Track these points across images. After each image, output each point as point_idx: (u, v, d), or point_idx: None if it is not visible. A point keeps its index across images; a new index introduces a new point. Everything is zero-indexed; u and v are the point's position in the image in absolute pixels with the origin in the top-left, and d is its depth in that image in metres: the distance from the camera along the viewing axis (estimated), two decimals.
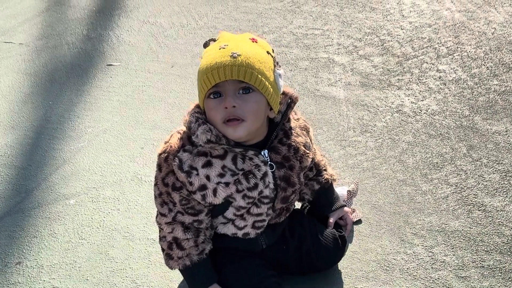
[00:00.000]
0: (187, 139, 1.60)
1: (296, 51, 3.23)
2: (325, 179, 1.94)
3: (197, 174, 1.57)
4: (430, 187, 2.34)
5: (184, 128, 1.62)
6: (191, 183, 1.58)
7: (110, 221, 2.34)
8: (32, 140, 2.83)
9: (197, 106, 1.62)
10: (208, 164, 1.58)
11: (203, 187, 1.59)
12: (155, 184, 1.68)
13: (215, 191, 1.60)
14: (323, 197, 1.99)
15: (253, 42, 1.58)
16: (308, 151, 1.73)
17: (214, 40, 1.62)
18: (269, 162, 1.64)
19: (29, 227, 2.33)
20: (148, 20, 3.74)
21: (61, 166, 2.65)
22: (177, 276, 2.05)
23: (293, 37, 3.34)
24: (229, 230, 1.74)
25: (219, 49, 1.54)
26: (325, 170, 1.96)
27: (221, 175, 1.59)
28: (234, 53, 1.50)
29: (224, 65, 1.48)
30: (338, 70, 3.04)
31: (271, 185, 1.65)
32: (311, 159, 1.78)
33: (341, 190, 2.21)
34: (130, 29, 3.67)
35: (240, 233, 1.74)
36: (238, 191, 1.61)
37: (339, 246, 1.94)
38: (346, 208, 2.05)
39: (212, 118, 1.54)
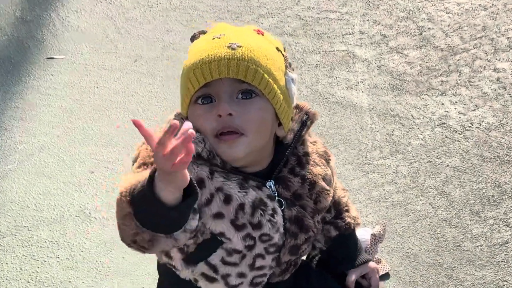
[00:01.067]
0: None
1: (304, 41, 3.23)
2: (346, 224, 1.90)
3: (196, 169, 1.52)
4: (483, 230, 2.33)
5: None
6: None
7: (46, 273, 2.32)
8: None
9: (179, 115, 1.61)
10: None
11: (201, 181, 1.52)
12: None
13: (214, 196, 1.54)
14: (342, 248, 1.95)
15: (258, 34, 1.58)
16: (328, 188, 1.70)
17: (205, 33, 1.62)
18: (277, 198, 1.60)
19: None
20: None
21: None
22: None
23: (300, 22, 3.35)
24: None
25: (212, 39, 1.54)
26: (347, 211, 1.92)
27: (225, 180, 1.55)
28: (232, 44, 1.49)
29: (218, 58, 1.47)
30: (361, 68, 3.04)
31: (281, 229, 1.63)
32: (331, 198, 1.76)
33: (362, 233, 2.20)
34: (80, 9, 3.67)
35: None
36: (236, 224, 1.57)
37: None
38: (371, 264, 2.02)
39: (200, 131, 1.53)
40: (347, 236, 1.93)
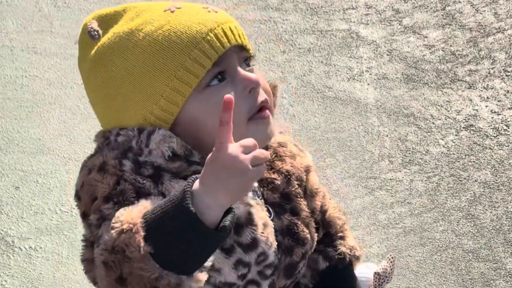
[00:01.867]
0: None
1: (293, 17, 3.22)
2: (339, 254, 1.89)
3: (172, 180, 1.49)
4: None
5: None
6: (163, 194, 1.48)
7: None
8: None
9: (103, 135, 1.57)
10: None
11: None
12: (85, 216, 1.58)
13: None
14: (334, 286, 1.94)
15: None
16: (318, 185, 1.72)
17: (95, 34, 1.59)
18: (264, 205, 1.58)
19: None
20: None
21: None
22: None
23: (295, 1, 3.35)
24: None
25: (172, 12, 1.54)
26: (342, 238, 1.91)
27: None
28: (208, 7, 1.54)
29: (216, 24, 1.51)
30: (367, 53, 3.04)
31: (275, 244, 1.59)
32: (320, 202, 1.74)
33: (364, 271, 2.17)
34: None
35: None
36: (223, 248, 1.54)
37: None
38: None
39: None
40: (341, 271, 1.91)
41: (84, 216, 1.54)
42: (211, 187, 1.33)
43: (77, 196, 1.56)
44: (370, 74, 2.98)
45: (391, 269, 2.20)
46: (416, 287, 2.31)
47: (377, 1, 3.27)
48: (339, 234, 1.88)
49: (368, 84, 2.94)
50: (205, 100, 1.53)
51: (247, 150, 1.33)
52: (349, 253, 1.88)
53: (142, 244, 1.35)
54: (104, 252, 1.39)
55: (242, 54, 1.54)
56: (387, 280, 2.19)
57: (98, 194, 1.51)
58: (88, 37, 1.60)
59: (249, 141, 1.32)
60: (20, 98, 3.06)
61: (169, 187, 1.48)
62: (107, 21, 1.61)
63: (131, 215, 1.37)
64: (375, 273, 2.18)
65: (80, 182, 1.55)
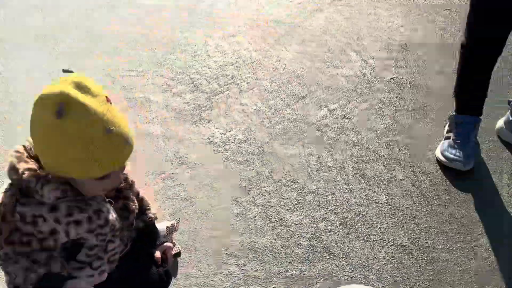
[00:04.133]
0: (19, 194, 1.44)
1: (113, 92, 3.08)
2: (149, 218, 1.87)
3: (45, 221, 1.43)
4: (241, 209, 2.36)
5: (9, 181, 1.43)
6: (40, 232, 1.43)
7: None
8: None
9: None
10: (53, 209, 1.45)
11: (53, 231, 1.46)
12: None
13: (67, 232, 1.48)
14: (148, 234, 1.90)
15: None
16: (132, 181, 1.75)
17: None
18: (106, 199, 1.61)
19: None
20: None
21: None
22: None
23: (111, 79, 3.19)
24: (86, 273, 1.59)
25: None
26: (149, 209, 1.89)
27: (70, 214, 1.48)
28: None
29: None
30: (155, 108, 2.96)
31: (116, 217, 1.59)
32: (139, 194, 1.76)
33: (161, 226, 2.13)
34: None
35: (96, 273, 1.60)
36: (90, 230, 1.51)
37: (164, 281, 1.86)
38: (167, 243, 1.97)
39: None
40: (151, 227, 1.89)
41: None
42: None
43: None
44: (157, 119, 2.84)
45: (177, 226, 2.19)
46: (189, 228, 2.23)
47: (158, 80, 3.16)
48: (147, 207, 1.85)
49: (157, 124, 2.81)
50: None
51: None
52: (153, 216, 1.86)
53: None
54: None
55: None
56: (174, 230, 2.18)
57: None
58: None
59: None
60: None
61: (42, 227, 1.46)
62: None
63: None
64: (167, 226, 2.16)
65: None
